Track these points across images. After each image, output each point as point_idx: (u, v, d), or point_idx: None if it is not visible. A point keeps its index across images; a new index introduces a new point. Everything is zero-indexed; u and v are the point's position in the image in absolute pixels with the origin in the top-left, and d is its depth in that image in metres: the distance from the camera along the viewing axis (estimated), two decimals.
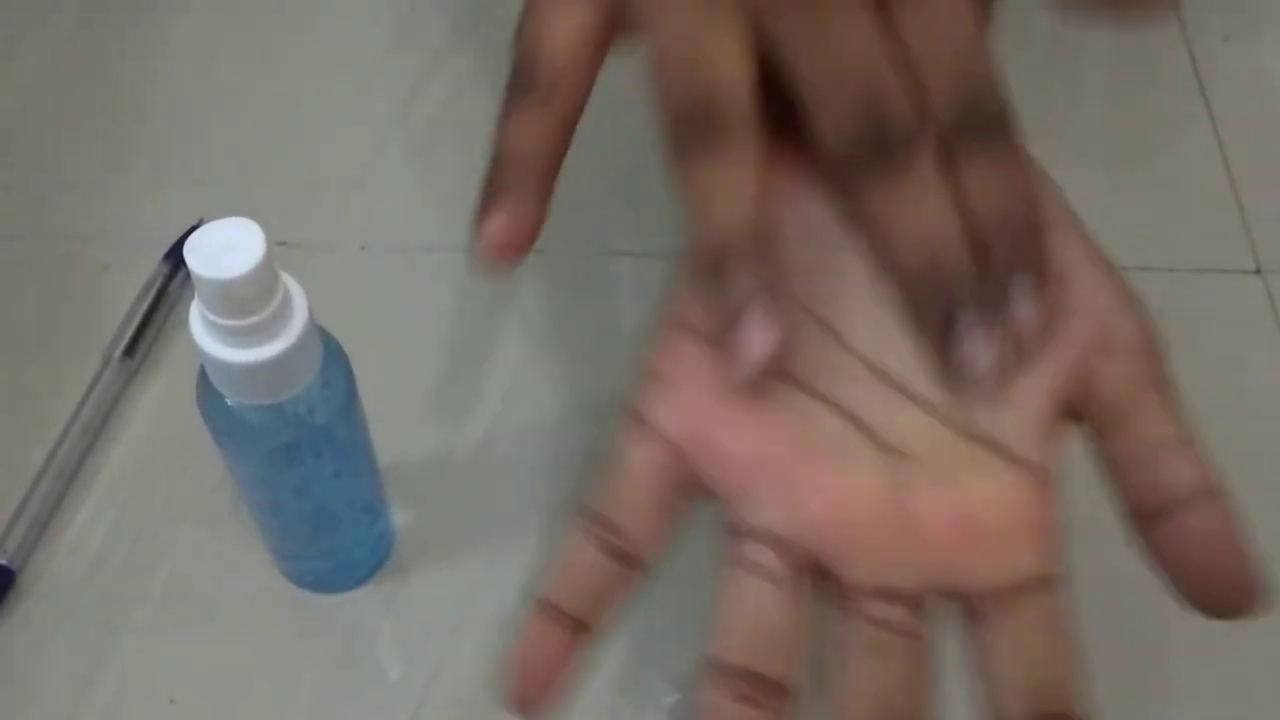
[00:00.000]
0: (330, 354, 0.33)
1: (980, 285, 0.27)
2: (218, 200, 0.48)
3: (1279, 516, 0.33)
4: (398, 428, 0.42)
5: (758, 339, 0.27)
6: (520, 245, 0.30)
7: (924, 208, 0.28)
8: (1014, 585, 0.27)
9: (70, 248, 0.48)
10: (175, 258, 0.46)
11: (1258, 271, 0.48)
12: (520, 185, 0.30)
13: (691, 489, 0.28)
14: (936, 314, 0.27)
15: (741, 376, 0.27)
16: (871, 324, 0.28)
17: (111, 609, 0.40)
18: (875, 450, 0.28)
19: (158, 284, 0.45)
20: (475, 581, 0.41)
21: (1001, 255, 0.27)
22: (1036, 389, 0.28)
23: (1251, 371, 0.45)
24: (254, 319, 0.29)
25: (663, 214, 0.49)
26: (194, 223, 0.47)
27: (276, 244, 0.48)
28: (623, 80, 0.52)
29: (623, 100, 0.52)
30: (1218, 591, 0.26)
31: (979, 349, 0.27)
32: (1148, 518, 0.27)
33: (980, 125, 0.28)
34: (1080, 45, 0.53)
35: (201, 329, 0.30)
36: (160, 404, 0.44)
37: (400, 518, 0.42)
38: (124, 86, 0.52)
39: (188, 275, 0.46)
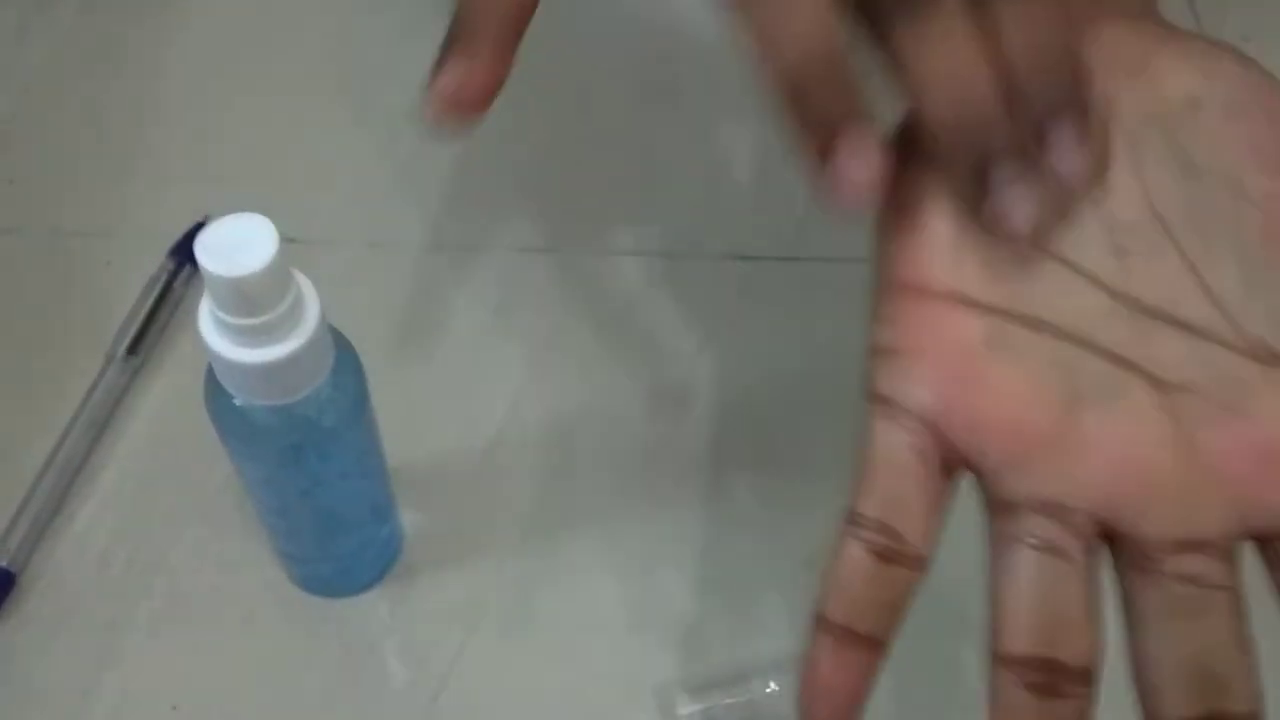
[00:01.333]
0: (341, 354, 0.33)
1: (1015, 135, 0.25)
2: (223, 196, 0.47)
3: None
4: (406, 429, 0.41)
5: (855, 164, 0.25)
6: (476, 100, 0.29)
7: (953, 49, 0.25)
8: None
9: (74, 243, 0.47)
10: (180, 254, 0.45)
11: None
12: (479, 34, 0.29)
13: (954, 467, 0.26)
14: (968, 163, 0.25)
15: (848, 202, 0.25)
16: (1109, 248, 0.26)
17: (114, 611, 0.39)
18: (1148, 388, 0.25)
19: (162, 280, 0.44)
20: (484, 585, 0.40)
21: (1038, 99, 0.25)
22: None
23: None
24: (265, 318, 0.29)
25: (671, 215, 0.48)
26: (199, 219, 0.46)
27: (283, 240, 0.48)
28: (624, 83, 0.52)
29: (627, 100, 0.51)
30: None
31: (1014, 203, 0.25)
32: None
33: None
34: None
35: (211, 327, 0.29)
36: (164, 402, 0.43)
37: (409, 520, 0.41)
38: (128, 80, 0.52)
39: (193, 272, 0.45)
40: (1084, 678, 0.25)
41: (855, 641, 0.26)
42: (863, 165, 0.25)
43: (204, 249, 0.28)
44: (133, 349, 0.43)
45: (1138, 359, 0.25)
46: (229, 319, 0.29)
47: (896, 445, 0.26)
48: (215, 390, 0.32)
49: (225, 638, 0.39)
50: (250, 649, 0.39)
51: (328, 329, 0.31)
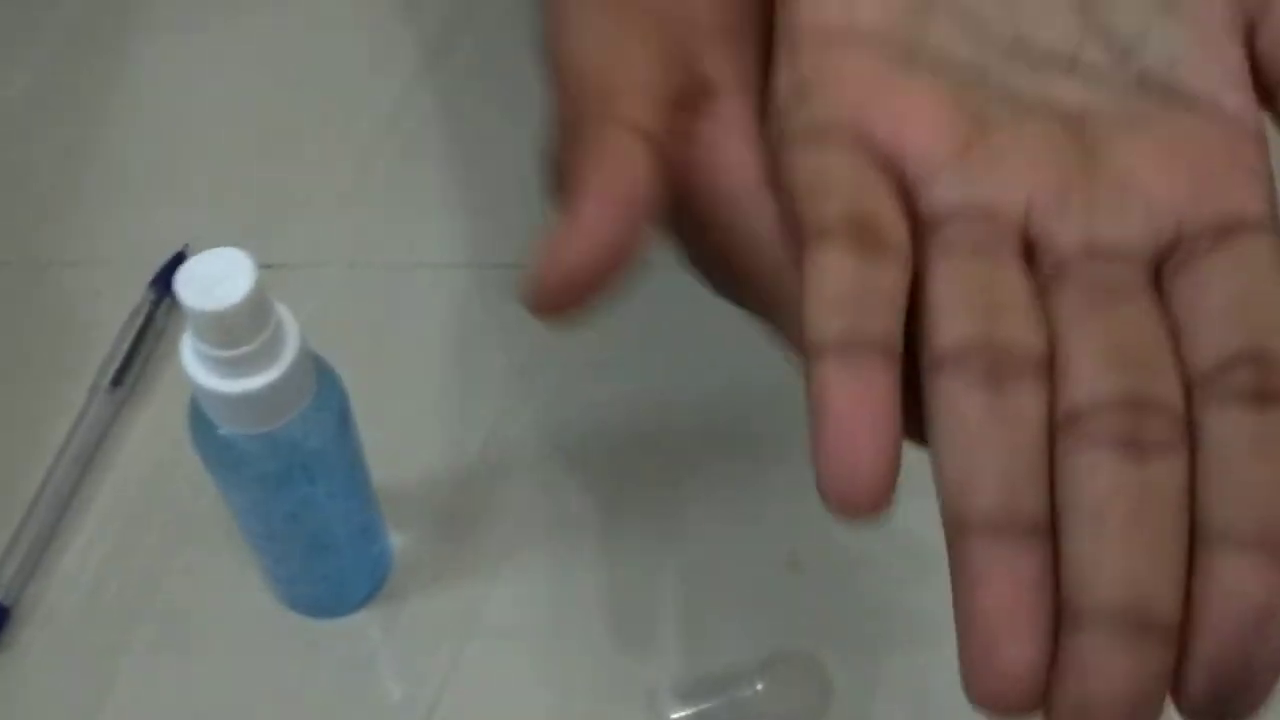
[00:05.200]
0: (323, 378, 0.33)
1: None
2: (204, 224, 0.48)
3: None
4: (391, 448, 0.41)
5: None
6: (587, 284, 0.25)
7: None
8: (1227, 221, 0.24)
9: (56, 274, 0.47)
10: (161, 284, 0.45)
11: None
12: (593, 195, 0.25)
13: (898, 178, 0.25)
14: None
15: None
16: (1009, 4, 0.26)
17: (109, 640, 0.40)
18: (1052, 115, 0.25)
19: (144, 312, 0.45)
20: (474, 600, 0.41)
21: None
22: (1212, 29, 0.25)
23: None
24: (246, 349, 0.29)
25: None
26: (180, 247, 0.47)
27: (264, 266, 0.48)
28: None
29: None
30: None
31: None
32: None
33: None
34: None
35: (193, 360, 0.30)
36: (150, 432, 0.43)
37: (397, 539, 0.41)
38: (106, 110, 0.52)
39: (174, 302, 0.46)
40: (1034, 368, 0.22)
41: (867, 351, 0.21)
42: None
43: (184, 283, 0.28)
44: (117, 380, 0.43)
45: (1038, 93, 0.25)
46: (210, 351, 0.29)
47: (834, 156, 0.24)
48: (199, 420, 0.32)
49: (220, 662, 0.39)
50: (245, 672, 0.39)
51: (309, 356, 0.32)
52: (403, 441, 0.43)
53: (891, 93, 0.25)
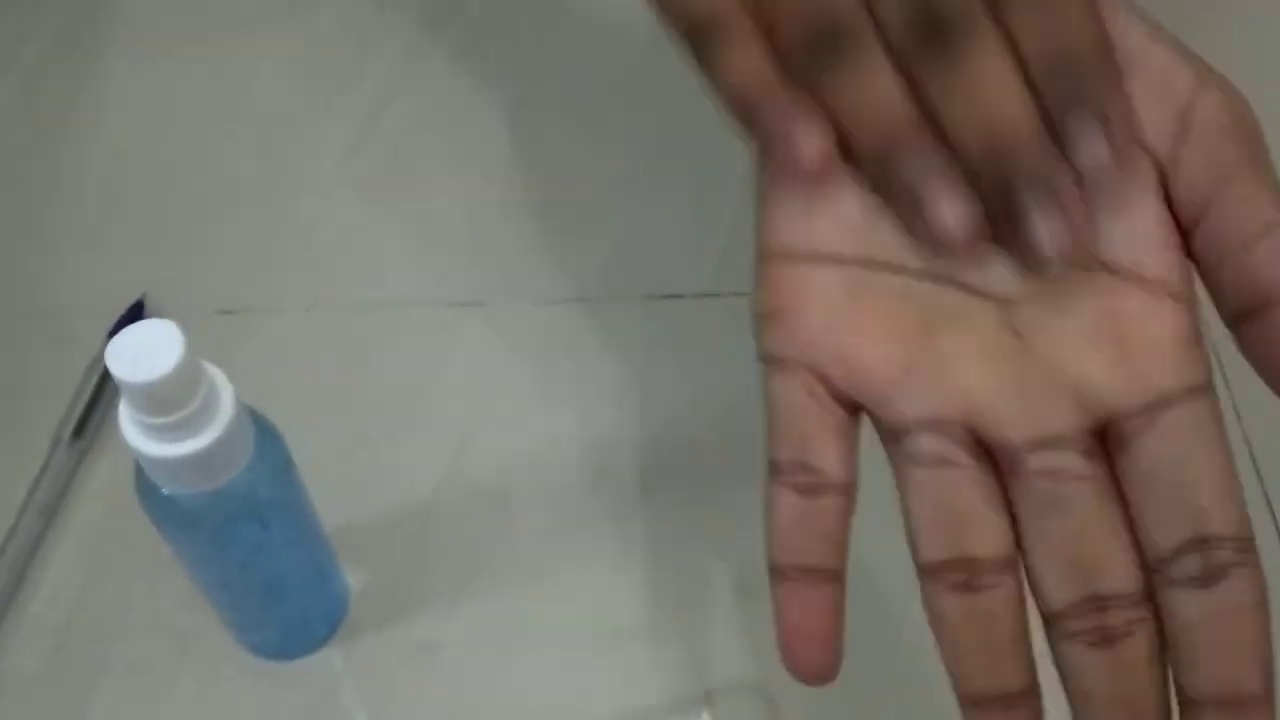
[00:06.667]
0: (261, 430, 0.34)
1: (1041, 154, 0.26)
2: (161, 272, 0.49)
3: None
4: (348, 487, 0.42)
5: (951, 211, 0.26)
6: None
7: (979, 87, 0.26)
8: (1156, 400, 0.26)
9: (15, 324, 0.48)
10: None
11: None
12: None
13: (847, 405, 0.28)
14: (999, 201, 0.26)
15: (951, 247, 0.26)
16: None
17: (75, 691, 0.40)
18: (989, 306, 0.27)
19: (103, 363, 0.45)
20: (434, 635, 0.41)
21: (1059, 101, 0.26)
22: (1130, 191, 0.27)
23: None
24: (179, 414, 0.30)
25: (593, 258, 0.50)
26: (139, 295, 0.48)
27: (222, 312, 0.49)
28: (536, 133, 0.53)
29: (542, 150, 0.53)
30: None
31: (1039, 230, 0.26)
32: (1241, 315, 0.26)
33: None
34: None
35: (130, 427, 0.31)
36: (110, 482, 0.44)
37: (355, 577, 0.42)
38: (63, 158, 0.53)
39: None
40: (1003, 566, 0.27)
41: (809, 577, 0.27)
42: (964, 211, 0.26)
43: (114, 356, 0.29)
44: (78, 432, 0.44)
45: (977, 283, 0.27)
46: (146, 419, 0.30)
47: (791, 392, 0.28)
48: (143, 482, 0.33)
49: (187, 708, 0.40)
50: (212, 717, 0.40)
51: (245, 413, 0.33)
52: (359, 481, 0.44)
53: (844, 327, 0.28)
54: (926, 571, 0.27)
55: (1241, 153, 0.26)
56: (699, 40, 0.29)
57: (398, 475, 0.45)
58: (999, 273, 0.27)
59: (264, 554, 0.36)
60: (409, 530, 0.43)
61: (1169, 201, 0.27)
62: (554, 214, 0.51)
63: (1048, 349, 0.27)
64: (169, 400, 0.30)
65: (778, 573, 0.28)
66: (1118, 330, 0.27)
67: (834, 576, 0.28)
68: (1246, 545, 0.26)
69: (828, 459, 0.28)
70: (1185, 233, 0.27)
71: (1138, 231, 0.27)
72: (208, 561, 0.36)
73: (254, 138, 0.53)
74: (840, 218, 0.28)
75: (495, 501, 0.44)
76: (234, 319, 0.48)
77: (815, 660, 0.27)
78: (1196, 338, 0.27)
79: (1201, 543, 0.26)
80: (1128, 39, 0.27)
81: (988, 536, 0.27)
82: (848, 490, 0.28)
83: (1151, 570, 0.26)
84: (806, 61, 0.28)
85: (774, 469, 0.28)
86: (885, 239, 0.28)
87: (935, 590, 0.27)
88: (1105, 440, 0.27)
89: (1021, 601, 0.27)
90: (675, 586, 0.42)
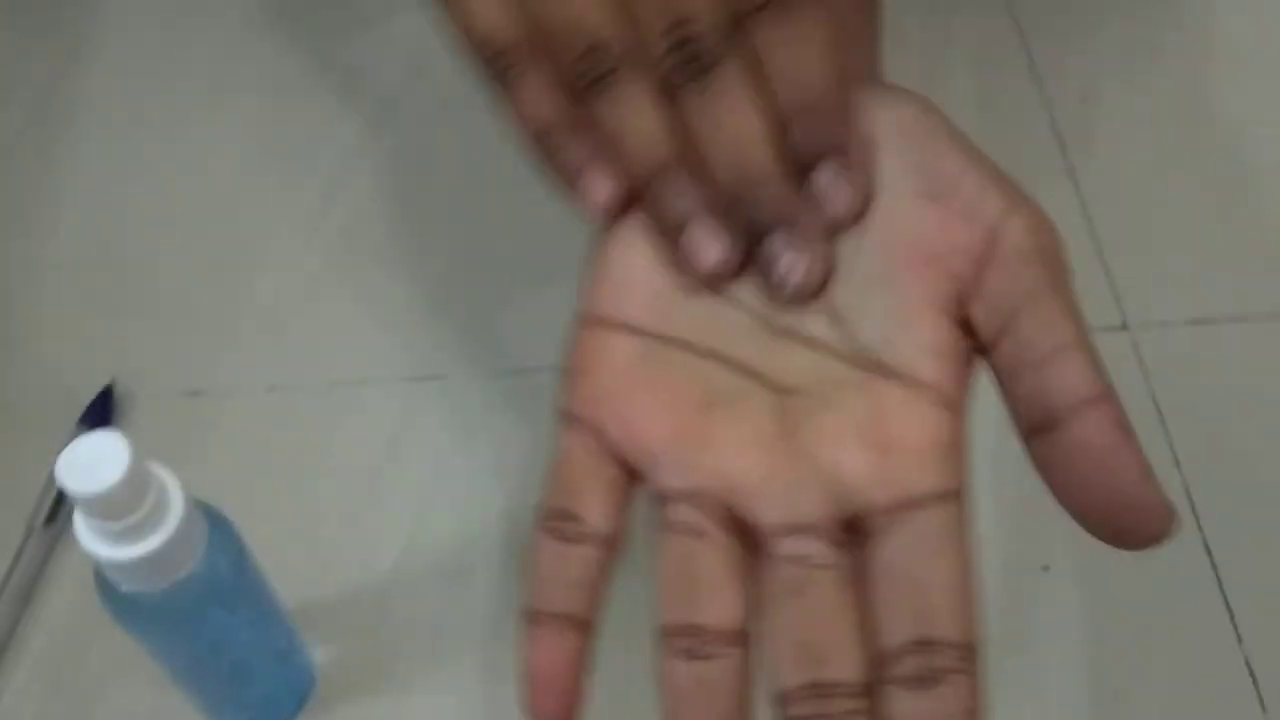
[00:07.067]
0: (213, 521, 0.35)
1: (783, 191, 0.28)
2: (130, 356, 0.50)
3: None
4: (310, 565, 0.44)
5: (707, 243, 0.28)
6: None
7: (724, 122, 0.28)
8: (906, 500, 0.27)
9: None
10: (89, 420, 0.48)
11: (1123, 327, 0.50)
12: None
13: (622, 466, 0.29)
14: (748, 230, 0.28)
15: (702, 276, 0.29)
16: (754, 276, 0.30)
17: None
18: (767, 392, 0.29)
19: None
20: (400, 706, 0.43)
21: (799, 140, 0.28)
22: (920, 305, 0.28)
23: None
24: (131, 519, 0.32)
25: (547, 332, 0.51)
26: (107, 382, 0.49)
27: (188, 394, 0.51)
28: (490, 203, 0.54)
29: (497, 220, 0.54)
30: (1108, 511, 0.25)
31: (780, 261, 0.28)
32: (1033, 431, 0.26)
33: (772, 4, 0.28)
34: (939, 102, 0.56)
35: (85, 531, 0.32)
36: (83, 566, 0.45)
37: (320, 652, 0.44)
38: (29, 240, 0.54)
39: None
40: (732, 639, 0.27)
41: (555, 623, 0.28)
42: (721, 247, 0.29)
43: (64, 469, 0.31)
44: (51, 517, 0.46)
45: (763, 369, 0.29)
46: (99, 524, 0.32)
47: (572, 447, 0.30)
48: (102, 582, 0.34)
49: None
50: None
51: (196, 513, 0.34)
52: (321, 558, 0.45)
53: (630, 393, 0.29)
54: (661, 634, 0.28)
55: (1043, 277, 0.27)
56: (490, 74, 0.30)
57: (357, 550, 0.46)
58: (786, 361, 0.29)
59: (226, 639, 0.38)
60: (371, 607, 0.45)
61: (970, 318, 0.28)
62: (508, 287, 0.52)
63: (812, 440, 0.28)
64: (120, 506, 0.31)
65: (527, 615, 0.28)
66: (883, 430, 0.28)
67: (583, 626, 0.28)
68: (970, 654, 0.26)
69: (592, 511, 0.29)
70: (986, 349, 0.28)
71: (920, 341, 0.28)
72: (172, 651, 0.37)
73: (214, 219, 0.55)
74: (653, 293, 0.30)
75: (455, 572, 0.45)
76: (200, 400, 0.49)
77: (552, 708, 0.28)
78: (958, 445, 0.28)
79: (924, 644, 0.26)
80: (944, 163, 0.29)
81: (721, 608, 0.27)
82: (610, 543, 0.29)
83: (879, 665, 0.26)
84: (581, 91, 0.29)
85: (541, 516, 0.29)
86: (689, 319, 0.29)
87: (665, 654, 0.27)
88: (856, 532, 0.28)
89: (746, 676, 0.27)
90: (642, 651, 0.43)
